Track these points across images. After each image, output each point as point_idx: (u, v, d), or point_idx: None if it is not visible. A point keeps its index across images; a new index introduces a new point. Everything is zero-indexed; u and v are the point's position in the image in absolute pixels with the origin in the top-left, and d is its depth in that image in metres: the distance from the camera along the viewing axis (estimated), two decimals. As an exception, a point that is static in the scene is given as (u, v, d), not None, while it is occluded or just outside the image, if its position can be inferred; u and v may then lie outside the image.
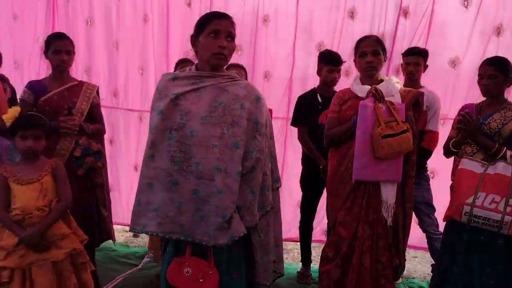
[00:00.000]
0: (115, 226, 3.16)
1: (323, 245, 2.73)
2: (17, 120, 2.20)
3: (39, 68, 4.14)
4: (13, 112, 2.21)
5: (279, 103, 3.81)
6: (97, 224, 2.87)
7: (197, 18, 1.86)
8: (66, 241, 2.23)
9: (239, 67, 3.22)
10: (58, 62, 2.71)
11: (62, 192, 2.27)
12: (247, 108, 1.80)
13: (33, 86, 2.74)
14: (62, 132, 2.64)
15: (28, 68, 4.23)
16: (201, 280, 1.74)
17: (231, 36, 1.81)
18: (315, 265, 3.33)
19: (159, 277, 3.13)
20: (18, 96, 2.95)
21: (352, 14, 3.64)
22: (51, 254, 2.17)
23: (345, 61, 3.26)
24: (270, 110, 2.39)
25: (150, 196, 1.79)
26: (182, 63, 3.13)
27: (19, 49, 4.26)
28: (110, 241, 3.06)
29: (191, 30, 1.86)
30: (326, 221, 3.03)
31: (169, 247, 1.88)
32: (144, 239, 4.10)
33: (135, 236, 4.23)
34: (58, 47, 2.70)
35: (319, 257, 2.69)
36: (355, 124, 2.45)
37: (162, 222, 1.75)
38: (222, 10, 2.01)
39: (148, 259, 3.60)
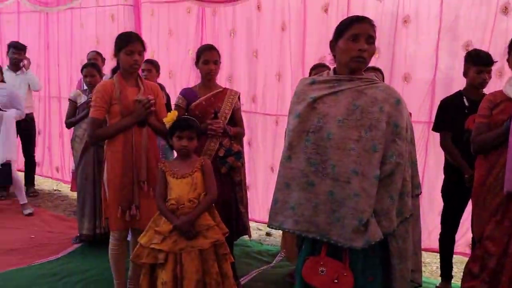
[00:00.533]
0: (250, 223, 3.36)
1: (465, 259, 2.53)
2: (175, 123, 2.51)
3: (189, 77, 4.62)
4: (172, 115, 2.53)
5: (419, 107, 3.63)
6: (235, 219, 3.08)
7: (333, 23, 1.90)
8: (211, 232, 2.46)
9: (375, 69, 3.16)
10: (207, 71, 3.00)
11: (209, 186, 2.52)
12: (386, 111, 1.77)
13: (185, 93, 3.08)
14: (209, 134, 2.91)
15: (180, 77, 4.75)
16: (335, 281, 1.77)
17: (371, 38, 1.80)
18: (456, 281, 3.09)
19: (291, 276, 3.28)
20: (172, 102, 3.35)
21: (506, 10, 3.30)
22: (198, 242, 2.42)
23: (497, 61, 2.97)
24: (410, 114, 2.31)
25: (287, 195, 1.88)
26: (317, 67, 3.18)
27: (173, 61, 4.81)
28: (246, 237, 3.25)
29: (327, 35, 1.91)
30: (471, 234, 2.80)
31: (305, 245, 1.95)
32: (276, 238, 4.26)
33: (267, 234, 4.42)
34: (207, 57, 2.98)
35: (460, 273, 2.50)
36: (508, 129, 2.23)
37: (299, 220, 1.82)
38: (359, 14, 2.01)
39: (281, 257, 3.74)
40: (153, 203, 2.83)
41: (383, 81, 3.19)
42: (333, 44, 1.89)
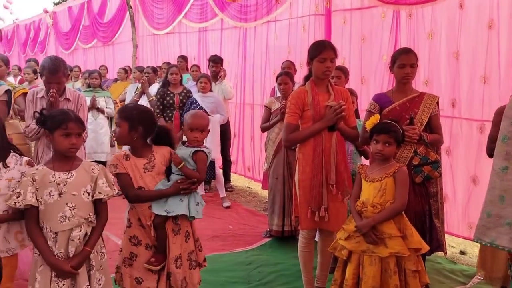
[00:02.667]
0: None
1: None
2: (373, 126, 2.50)
3: (382, 83, 4.53)
4: (373, 119, 2.53)
5: None
6: (429, 233, 2.89)
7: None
8: (393, 241, 2.37)
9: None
10: (402, 75, 2.89)
11: (398, 195, 2.43)
12: None
13: (378, 98, 3.03)
14: (405, 140, 2.80)
15: (374, 82, 4.70)
16: None
17: None
18: None
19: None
20: (364, 107, 3.33)
21: None
22: (378, 249, 2.38)
23: None
24: None
25: (501, 209, 1.69)
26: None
27: (365, 67, 4.79)
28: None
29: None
30: None
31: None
32: (472, 258, 3.84)
33: (462, 253, 4.02)
34: (404, 61, 2.87)
35: None
36: None
37: (516, 239, 1.61)
38: None
39: (478, 279, 3.35)
40: (341, 206, 2.89)
41: None
42: None
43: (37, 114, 2.24)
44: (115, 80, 8.23)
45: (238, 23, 6.33)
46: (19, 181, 2.21)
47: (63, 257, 2.13)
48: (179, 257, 2.45)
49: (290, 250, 4.00)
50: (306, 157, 2.90)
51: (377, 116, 2.57)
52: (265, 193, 5.73)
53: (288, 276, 3.47)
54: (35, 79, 6.61)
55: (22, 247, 2.29)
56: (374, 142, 2.49)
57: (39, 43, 13.62)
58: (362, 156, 3.64)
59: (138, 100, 5.85)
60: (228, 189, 6.10)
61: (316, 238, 3.09)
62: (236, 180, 6.78)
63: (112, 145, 6.17)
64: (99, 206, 2.25)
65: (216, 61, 5.92)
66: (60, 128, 2.16)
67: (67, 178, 2.16)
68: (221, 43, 7.06)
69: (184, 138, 2.84)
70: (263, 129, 4.47)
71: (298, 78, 4.81)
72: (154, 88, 5.93)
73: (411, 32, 4.28)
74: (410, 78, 2.92)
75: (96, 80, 5.97)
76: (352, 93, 3.87)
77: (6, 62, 5.05)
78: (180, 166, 2.42)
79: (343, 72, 4.13)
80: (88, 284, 2.18)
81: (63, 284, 2.14)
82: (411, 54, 2.91)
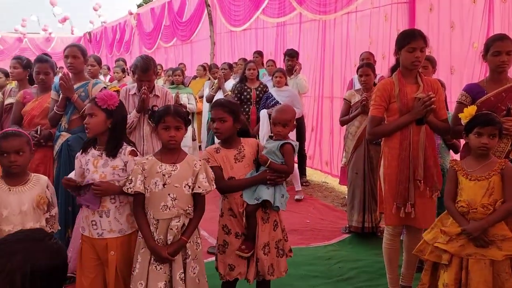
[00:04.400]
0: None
1: None
2: (473, 118, 2.35)
3: (473, 72, 4.24)
4: (470, 110, 2.38)
5: None
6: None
7: None
8: (506, 243, 2.21)
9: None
10: (497, 63, 2.68)
11: (510, 193, 2.25)
12: None
13: (470, 89, 2.84)
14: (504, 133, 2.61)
15: (464, 72, 4.41)
16: None
17: None
18: None
19: None
20: (454, 99, 3.13)
21: None
22: (490, 252, 2.21)
23: None
24: None
25: None
26: None
27: (455, 56, 4.51)
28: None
29: None
30: None
31: None
32: None
33: None
34: (499, 48, 2.67)
35: None
36: None
37: None
38: None
39: None
40: (429, 203, 2.76)
41: None
42: None
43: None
44: (194, 77, 8.55)
45: (317, 16, 6.26)
46: (122, 169, 2.38)
47: (162, 243, 2.27)
48: (267, 244, 2.55)
49: (371, 247, 3.90)
50: (392, 151, 2.80)
51: (474, 107, 2.40)
52: (343, 188, 5.64)
53: (370, 273, 3.39)
54: (124, 77, 7.07)
55: (133, 228, 2.44)
56: (476, 135, 2.32)
57: (125, 43, 14.52)
58: (451, 150, 3.44)
59: (215, 95, 6.02)
60: (304, 184, 6.08)
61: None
62: (312, 174, 6.73)
63: (193, 139, 6.42)
64: (198, 199, 2.35)
65: (292, 55, 5.90)
66: (160, 122, 2.31)
67: (171, 170, 2.29)
68: (299, 36, 7.04)
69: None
70: (342, 123, 4.39)
71: (378, 69, 4.66)
72: (229, 84, 6.07)
73: (506, 17, 3.95)
74: (506, 66, 2.71)
75: (179, 77, 6.24)
76: (441, 84, 3.68)
77: (99, 62, 5.47)
78: (268, 164, 2.50)
79: (430, 62, 3.93)
80: (182, 271, 2.29)
81: (160, 268, 2.27)
82: (507, 41, 2.70)
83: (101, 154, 2.41)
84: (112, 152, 2.38)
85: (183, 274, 2.29)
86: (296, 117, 5.37)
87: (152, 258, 2.27)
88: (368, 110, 3.70)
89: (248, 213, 2.51)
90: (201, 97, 7.15)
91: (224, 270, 2.57)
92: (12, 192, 2.21)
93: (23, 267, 1.05)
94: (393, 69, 2.94)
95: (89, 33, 18.20)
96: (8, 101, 4.21)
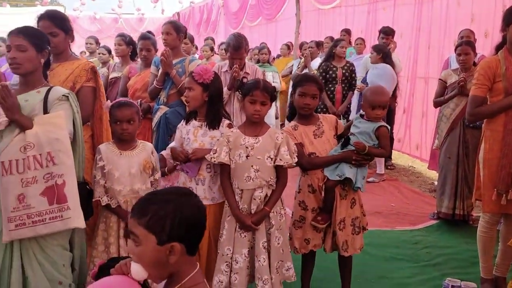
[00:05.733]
0: None
1: None
2: None
3: None
4: None
5: None
6: None
7: None
8: None
9: None
10: None
11: None
12: None
13: None
14: None
15: None
16: None
17: None
18: None
19: None
20: None
21: None
22: None
23: None
24: None
25: None
26: None
27: None
28: None
29: None
30: None
31: None
32: None
33: None
34: None
35: None
36: None
37: None
38: None
39: None
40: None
41: None
42: None
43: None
44: (278, 56, 8.57)
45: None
46: (218, 139, 2.50)
47: (246, 212, 2.37)
48: (343, 220, 2.57)
49: (461, 234, 3.74)
50: (495, 134, 2.65)
51: None
52: (431, 173, 5.42)
53: (460, 261, 3.26)
54: (212, 55, 7.31)
55: (224, 198, 2.54)
56: None
57: (211, 23, 14.90)
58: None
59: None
60: (389, 167, 5.92)
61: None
62: (398, 158, 6.53)
63: (276, 117, 6.50)
64: (280, 171, 2.42)
65: (387, 32, 5.71)
66: (248, 95, 2.38)
67: (254, 143, 2.37)
68: (393, 14, 6.76)
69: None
70: (436, 104, 4.18)
71: (479, 49, 4.34)
72: (316, 63, 6.01)
73: None
74: None
75: (265, 56, 6.31)
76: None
77: (192, 40, 5.71)
78: (366, 150, 2.48)
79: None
80: (265, 240, 2.38)
81: (244, 236, 2.38)
82: None
83: (201, 125, 2.54)
84: (212, 123, 2.51)
85: (266, 243, 2.38)
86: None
87: (237, 226, 2.38)
88: (466, 91, 3.49)
89: (328, 187, 2.53)
90: (284, 76, 7.16)
91: (300, 244, 2.62)
92: (123, 156, 2.44)
93: (173, 214, 1.20)
94: (498, 47, 2.74)
95: (178, 13, 18.91)
96: (112, 75, 4.59)
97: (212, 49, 7.36)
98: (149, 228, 1.19)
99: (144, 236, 1.19)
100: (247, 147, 2.36)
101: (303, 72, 6.01)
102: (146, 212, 1.20)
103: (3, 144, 2.08)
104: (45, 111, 2.18)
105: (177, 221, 1.20)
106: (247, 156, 2.36)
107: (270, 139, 2.38)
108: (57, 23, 2.54)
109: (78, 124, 2.29)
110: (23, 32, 2.17)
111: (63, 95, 2.22)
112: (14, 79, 2.41)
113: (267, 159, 2.36)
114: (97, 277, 1.39)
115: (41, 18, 2.55)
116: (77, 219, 2.12)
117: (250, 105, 2.37)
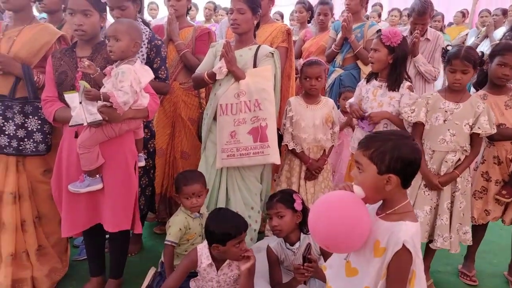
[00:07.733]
0: None
1: None
2: None
3: None
4: None
5: None
6: None
7: None
8: None
9: None
10: None
11: None
12: None
13: None
14: None
15: None
16: None
17: None
18: None
19: None
20: None
21: None
22: None
23: None
24: None
25: None
26: None
27: None
28: None
29: None
30: None
31: None
32: None
33: None
34: None
35: None
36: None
37: None
38: None
39: None
40: None
41: None
42: None
43: None
44: (449, 24, 8.01)
45: None
46: (397, 100, 2.60)
47: (434, 172, 2.48)
48: None
49: None
50: None
51: None
52: None
53: None
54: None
55: None
56: None
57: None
58: None
59: (479, 44, 5.60)
60: None
61: None
62: None
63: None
64: (475, 140, 2.46)
65: None
66: (448, 64, 2.44)
67: (454, 108, 2.44)
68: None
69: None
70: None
71: None
72: (500, 32, 5.52)
73: None
74: None
75: (439, 23, 6.06)
76: None
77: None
78: None
79: None
80: (449, 202, 2.48)
81: (428, 194, 2.51)
82: None
83: (381, 85, 2.70)
84: (392, 85, 2.64)
85: (449, 204, 2.48)
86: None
87: (422, 183, 2.51)
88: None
89: None
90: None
91: (478, 215, 2.65)
92: (309, 109, 2.79)
93: (392, 151, 1.48)
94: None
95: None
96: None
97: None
98: (372, 159, 1.48)
99: (367, 165, 1.49)
100: (446, 111, 2.44)
101: (481, 42, 5.61)
102: (371, 146, 1.49)
103: (222, 90, 2.59)
104: (255, 65, 2.61)
105: (395, 156, 1.45)
106: (444, 120, 2.43)
107: (470, 107, 2.42)
108: None
109: (278, 78, 2.69)
110: None
111: (270, 52, 2.63)
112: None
113: (465, 125, 2.41)
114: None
115: None
116: (274, 155, 2.55)
117: (450, 74, 2.42)
